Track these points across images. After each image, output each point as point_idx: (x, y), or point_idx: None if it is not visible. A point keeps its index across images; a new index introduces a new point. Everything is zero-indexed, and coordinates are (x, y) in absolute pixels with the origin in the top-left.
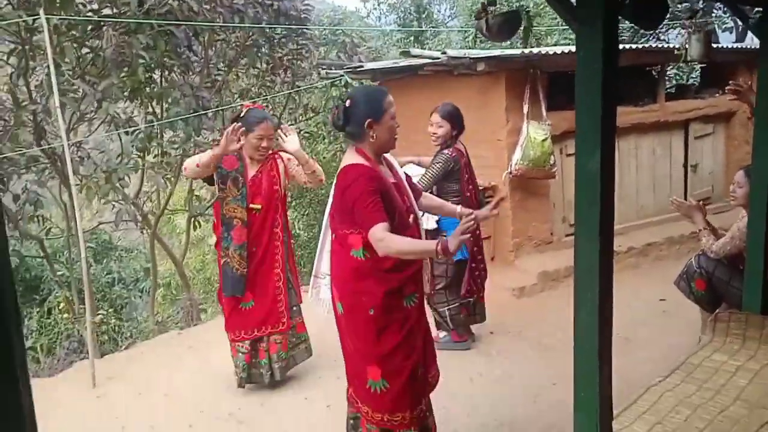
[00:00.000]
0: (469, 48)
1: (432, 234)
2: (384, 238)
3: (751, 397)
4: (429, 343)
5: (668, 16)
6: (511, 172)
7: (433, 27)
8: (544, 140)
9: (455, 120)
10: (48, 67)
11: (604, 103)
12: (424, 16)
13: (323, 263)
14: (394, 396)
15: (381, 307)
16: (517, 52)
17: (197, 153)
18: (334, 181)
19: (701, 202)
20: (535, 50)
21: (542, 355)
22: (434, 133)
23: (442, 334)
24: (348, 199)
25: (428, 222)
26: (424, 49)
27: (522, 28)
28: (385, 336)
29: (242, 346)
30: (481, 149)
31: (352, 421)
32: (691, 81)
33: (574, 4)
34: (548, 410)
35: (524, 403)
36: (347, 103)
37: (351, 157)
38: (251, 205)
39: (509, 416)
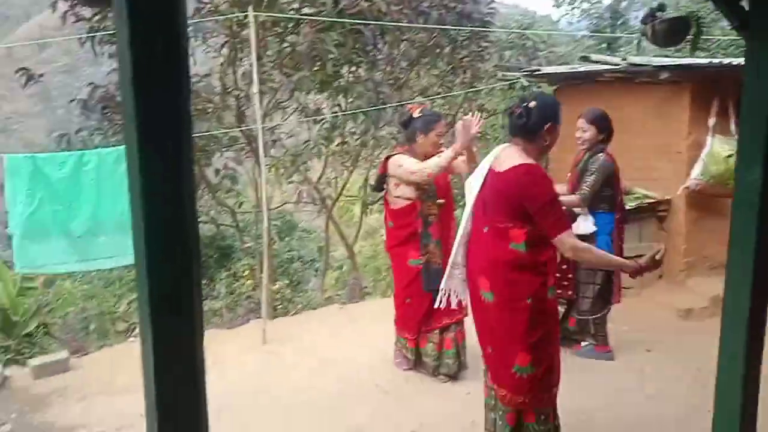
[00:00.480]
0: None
1: (587, 238)
2: (583, 247)
3: None
4: None
5: None
6: (688, 187)
7: (627, 33)
8: (729, 156)
9: (601, 124)
10: (252, 58)
11: None
12: (619, 23)
13: (460, 253)
14: (538, 380)
15: (536, 297)
16: (705, 61)
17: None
18: (487, 172)
19: None
20: (726, 60)
21: (699, 379)
22: (579, 138)
23: (584, 342)
24: (532, 198)
25: (587, 226)
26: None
27: (691, 35)
28: (537, 324)
29: (433, 336)
30: (657, 161)
31: (492, 403)
32: None
33: (747, 11)
34: None
35: (673, 427)
36: (532, 103)
37: (521, 156)
38: (438, 201)
39: None
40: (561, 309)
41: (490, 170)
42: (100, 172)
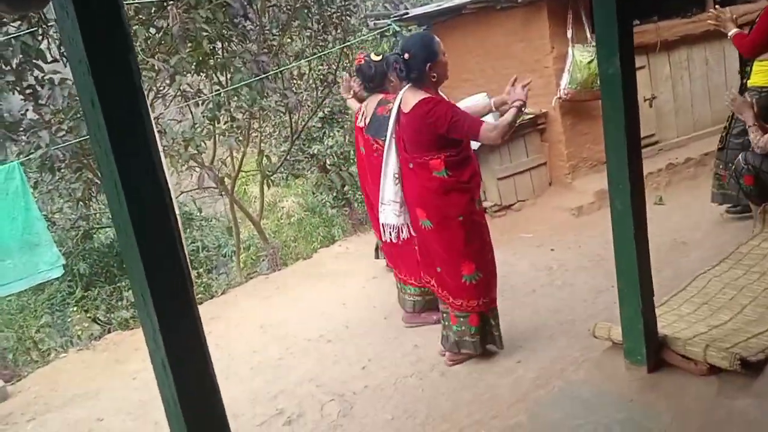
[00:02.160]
0: None
1: None
2: (493, 128)
3: None
4: None
5: None
6: (560, 97)
7: None
8: (590, 62)
9: None
10: None
11: (619, 13)
12: None
13: (387, 191)
14: (487, 282)
15: (466, 213)
16: None
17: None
18: (396, 113)
19: (754, 100)
20: None
21: (599, 264)
22: None
23: None
24: (439, 121)
25: None
26: None
27: None
28: (473, 236)
29: None
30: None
31: (447, 323)
32: None
33: None
34: (604, 309)
35: (584, 306)
36: (405, 56)
37: (420, 93)
38: None
39: (570, 316)
40: None
41: (400, 111)
42: None
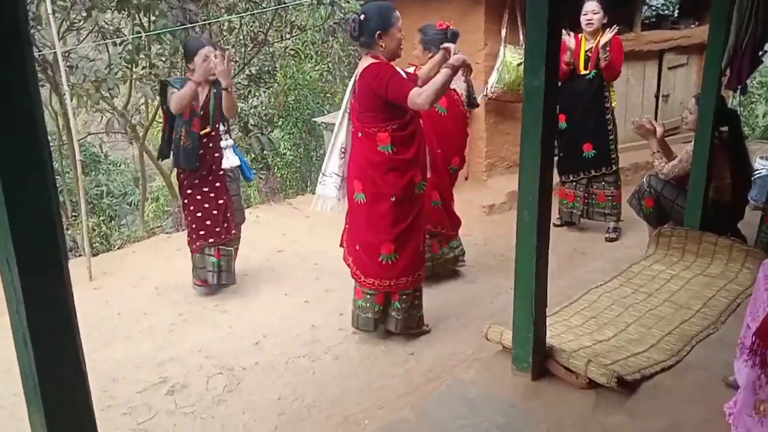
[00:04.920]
0: None
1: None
2: (421, 92)
3: (680, 299)
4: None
5: None
6: (486, 95)
7: None
8: (519, 65)
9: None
10: None
11: (549, 26)
12: None
13: (331, 163)
14: (403, 266)
15: (400, 195)
16: None
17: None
18: (353, 84)
19: (660, 125)
20: None
21: (504, 264)
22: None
23: None
24: (378, 83)
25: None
26: None
27: None
28: (401, 218)
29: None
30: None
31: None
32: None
33: None
34: (502, 309)
35: (482, 304)
36: (361, 17)
37: (368, 60)
38: None
39: (467, 313)
40: None
41: (355, 80)
42: None
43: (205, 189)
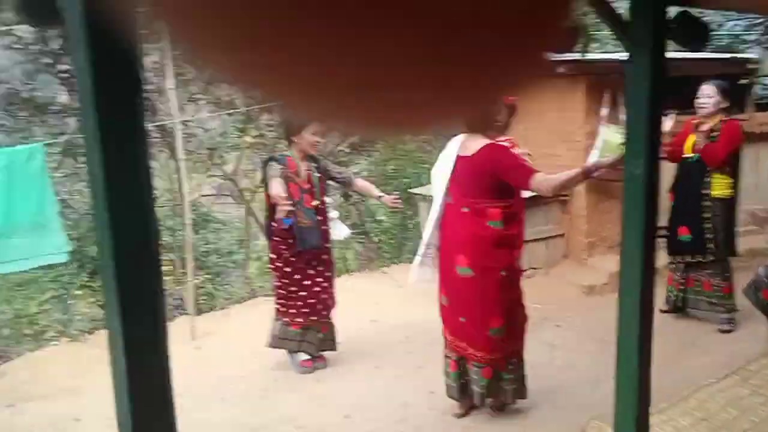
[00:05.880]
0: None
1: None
2: (550, 180)
3: None
4: None
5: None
6: None
7: None
8: (621, 144)
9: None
10: (164, 50)
11: (650, 115)
12: None
13: (432, 236)
14: (509, 339)
15: (509, 268)
16: (598, 56)
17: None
18: (456, 160)
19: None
20: (614, 55)
21: (605, 350)
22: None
23: None
24: (500, 164)
25: (341, 231)
26: None
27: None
28: (509, 291)
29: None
30: (558, 149)
31: (460, 370)
32: None
33: (627, 24)
34: (602, 401)
35: (581, 394)
36: None
37: (486, 138)
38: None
39: (566, 402)
40: None
41: (459, 157)
42: (11, 171)
43: (312, 267)
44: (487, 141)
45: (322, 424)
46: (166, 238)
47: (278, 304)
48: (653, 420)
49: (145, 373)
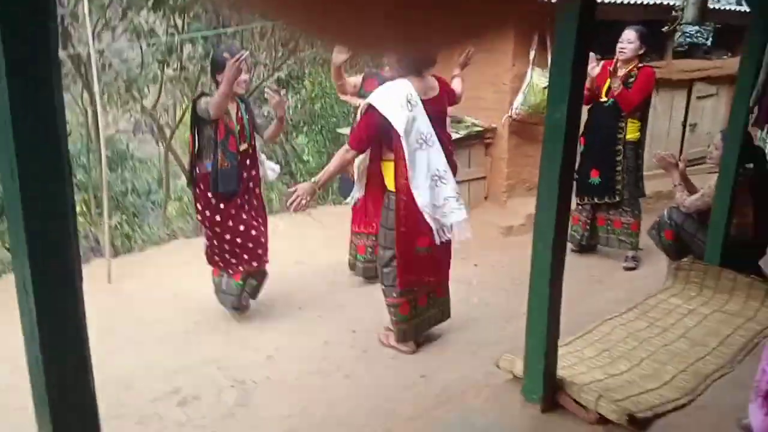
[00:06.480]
0: None
1: None
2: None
3: (695, 336)
4: None
5: None
6: (511, 116)
7: None
8: (545, 88)
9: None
10: None
11: (574, 59)
12: None
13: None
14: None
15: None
16: None
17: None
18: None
19: (682, 161)
20: None
21: (519, 288)
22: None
23: None
24: (451, 103)
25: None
26: None
27: None
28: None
29: None
30: (485, 92)
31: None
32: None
33: None
34: (514, 335)
35: (495, 329)
36: None
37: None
38: None
39: (480, 337)
40: None
41: (425, 101)
42: None
43: (244, 211)
44: (435, 80)
45: (245, 365)
46: (79, 176)
47: (216, 257)
48: (560, 351)
49: (56, 317)
